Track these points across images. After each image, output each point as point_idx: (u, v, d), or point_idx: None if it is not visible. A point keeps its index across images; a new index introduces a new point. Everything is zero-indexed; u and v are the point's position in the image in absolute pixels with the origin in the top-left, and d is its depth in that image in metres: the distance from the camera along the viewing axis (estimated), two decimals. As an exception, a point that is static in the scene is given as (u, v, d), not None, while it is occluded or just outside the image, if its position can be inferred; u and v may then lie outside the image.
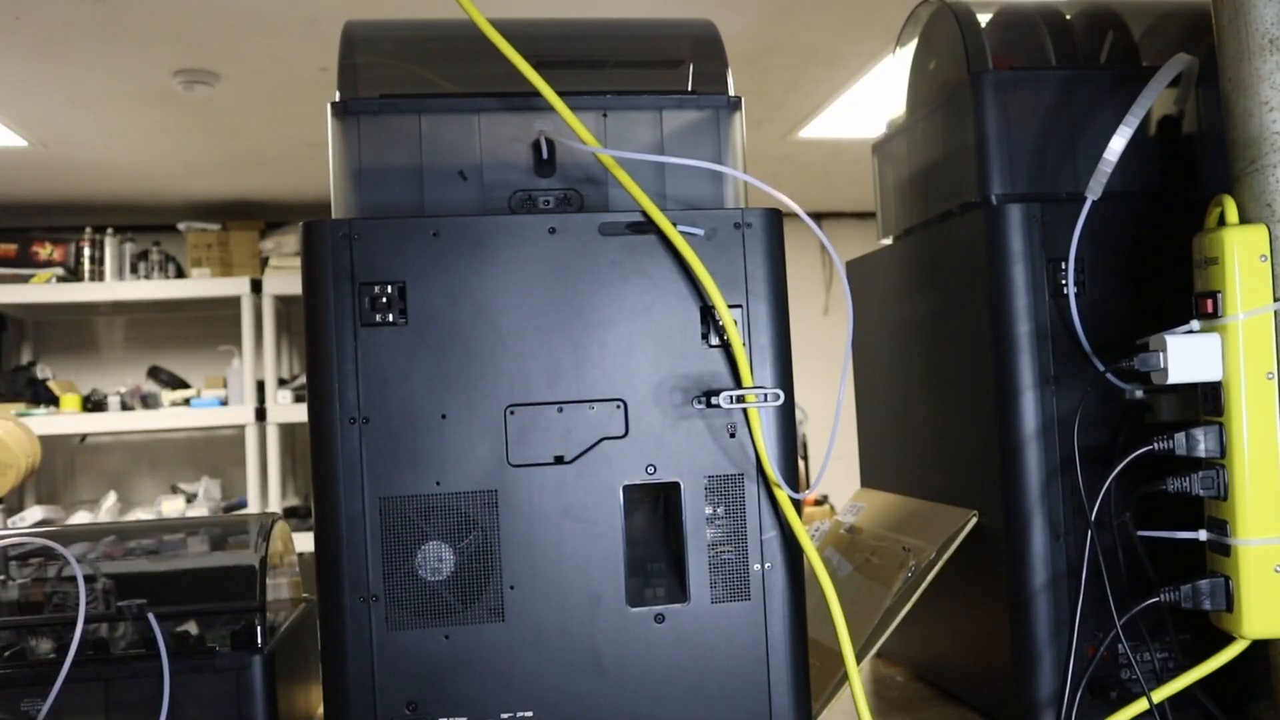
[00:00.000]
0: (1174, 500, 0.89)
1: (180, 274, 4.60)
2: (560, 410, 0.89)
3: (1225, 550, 0.86)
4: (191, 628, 0.93)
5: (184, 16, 2.63)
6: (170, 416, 4.35)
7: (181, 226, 4.60)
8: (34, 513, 4.15)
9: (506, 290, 0.89)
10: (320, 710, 0.90)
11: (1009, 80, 1.02)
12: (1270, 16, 0.85)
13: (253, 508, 4.25)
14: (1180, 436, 0.88)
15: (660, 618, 0.89)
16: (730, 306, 0.91)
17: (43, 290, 4.26)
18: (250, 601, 1.00)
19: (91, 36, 2.72)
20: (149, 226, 4.72)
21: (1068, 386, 0.97)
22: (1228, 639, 0.88)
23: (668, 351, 0.90)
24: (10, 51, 2.79)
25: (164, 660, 0.87)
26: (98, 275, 4.40)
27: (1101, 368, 0.95)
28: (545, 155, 0.95)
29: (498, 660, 0.87)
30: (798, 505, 0.91)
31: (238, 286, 4.35)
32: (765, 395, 0.90)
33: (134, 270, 4.48)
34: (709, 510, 0.90)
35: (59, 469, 4.76)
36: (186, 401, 4.41)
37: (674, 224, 0.89)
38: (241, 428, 4.32)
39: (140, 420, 4.30)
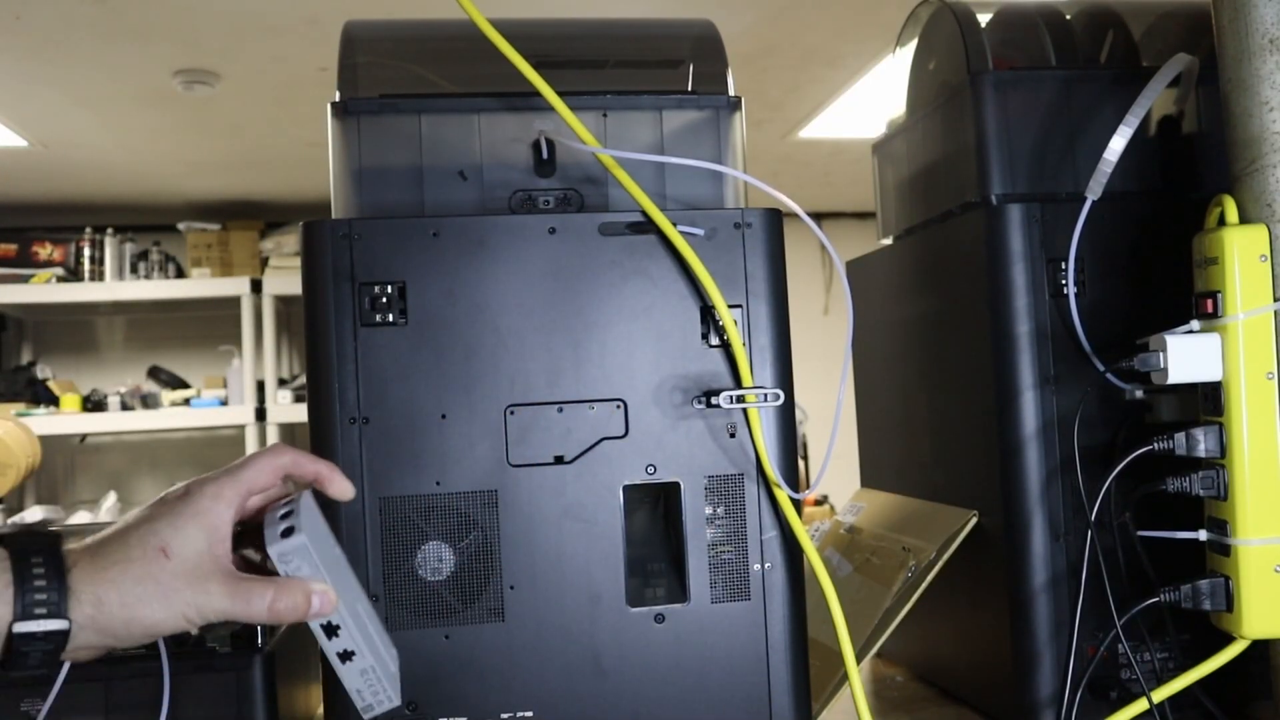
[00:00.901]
0: (1174, 500, 0.89)
1: (180, 274, 4.60)
2: (560, 410, 0.89)
3: (1225, 550, 0.86)
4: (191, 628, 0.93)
5: (184, 16, 2.63)
6: (170, 416, 4.35)
7: (181, 226, 4.60)
8: (34, 513, 4.15)
9: (506, 290, 0.89)
10: (320, 710, 0.90)
11: (1009, 80, 1.02)
12: (1270, 16, 0.85)
13: (253, 508, 4.24)
14: (1180, 436, 0.88)
15: (660, 618, 0.89)
16: (730, 306, 0.91)
17: (43, 290, 4.27)
18: (250, 601, 1.00)
19: (91, 36, 2.72)
20: (149, 226, 4.72)
21: (1068, 386, 0.97)
22: (1228, 639, 0.88)
23: (668, 351, 0.90)
24: (10, 51, 2.79)
25: (164, 660, 0.87)
26: (98, 275, 4.41)
27: (1101, 368, 0.95)
28: (545, 155, 0.95)
29: (498, 660, 0.87)
30: (798, 505, 0.91)
31: (238, 286, 4.36)
32: (765, 395, 0.90)
33: (134, 270, 4.48)
34: (709, 510, 0.90)
35: (59, 469, 4.76)
36: (186, 401, 4.42)
37: (674, 224, 0.89)
38: (241, 428, 4.32)
39: (140, 420, 4.31)
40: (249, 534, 0.71)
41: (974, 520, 1.01)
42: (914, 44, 1.20)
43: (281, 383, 4.46)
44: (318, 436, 0.87)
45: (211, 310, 4.55)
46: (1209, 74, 0.99)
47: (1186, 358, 0.86)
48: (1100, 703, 0.94)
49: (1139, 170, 1.02)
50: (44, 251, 4.33)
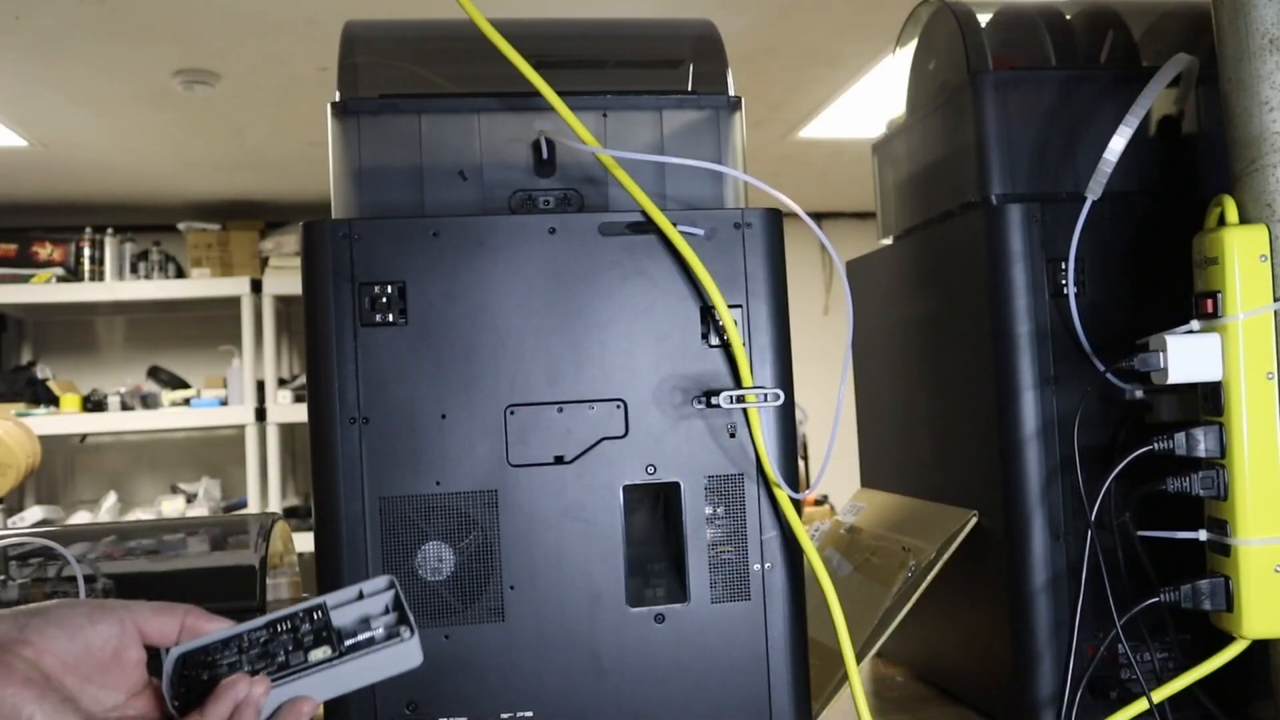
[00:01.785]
0: (1174, 500, 0.89)
1: (180, 274, 4.60)
2: (560, 410, 0.89)
3: (1225, 550, 0.86)
4: (191, 628, 0.93)
5: (184, 16, 2.63)
6: (170, 416, 4.35)
7: (181, 226, 4.60)
8: (34, 513, 4.15)
9: (506, 290, 0.89)
10: (320, 710, 0.90)
11: (1009, 80, 1.02)
12: (1270, 16, 0.85)
13: (253, 508, 4.25)
14: (1180, 436, 0.88)
15: (660, 618, 0.89)
16: (730, 306, 0.91)
17: (43, 290, 4.26)
18: (250, 601, 1.00)
19: (91, 36, 2.72)
20: (149, 226, 4.72)
21: (1068, 386, 0.97)
22: (1228, 639, 0.88)
23: (668, 351, 0.90)
24: (10, 51, 2.79)
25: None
26: (98, 275, 4.40)
27: (1101, 368, 0.95)
28: (545, 155, 0.95)
29: (498, 660, 0.87)
30: (798, 505, 0.91)
31: (238, 286, 4.35)
32: (765, 395, 0.90)
33: (134, 270, 4.48)
34: (709, 510, 0.90)
35: (59, 469, 4.76)
36: (186, 401, 4.41)
37: (674, 224, 0.89)
38: (241, 428, 4.32)
39: (140, 420, 4.31)
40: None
41: (974, 520, 1.01)
42: (914, 44, 1.20)
43: (281, 383, 4.46)
44: (318, 436, 0.87)
45: (211, 310, 4.55)
46: (1209, 74, 0.99)
47: (1186, 358, 0.86)
48: (1100, 703, 0.94)
49: (1139, 170, 1.02)
50: (44, 251, 4.33)
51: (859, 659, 0.94)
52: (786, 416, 0.92)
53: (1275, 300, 0.85)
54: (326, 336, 0.87)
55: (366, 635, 0.68)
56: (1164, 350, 0.86)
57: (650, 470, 0.90)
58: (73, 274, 4.37)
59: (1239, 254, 0.85)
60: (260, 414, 4.31)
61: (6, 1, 2.47)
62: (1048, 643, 0.95)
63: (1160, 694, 0.90)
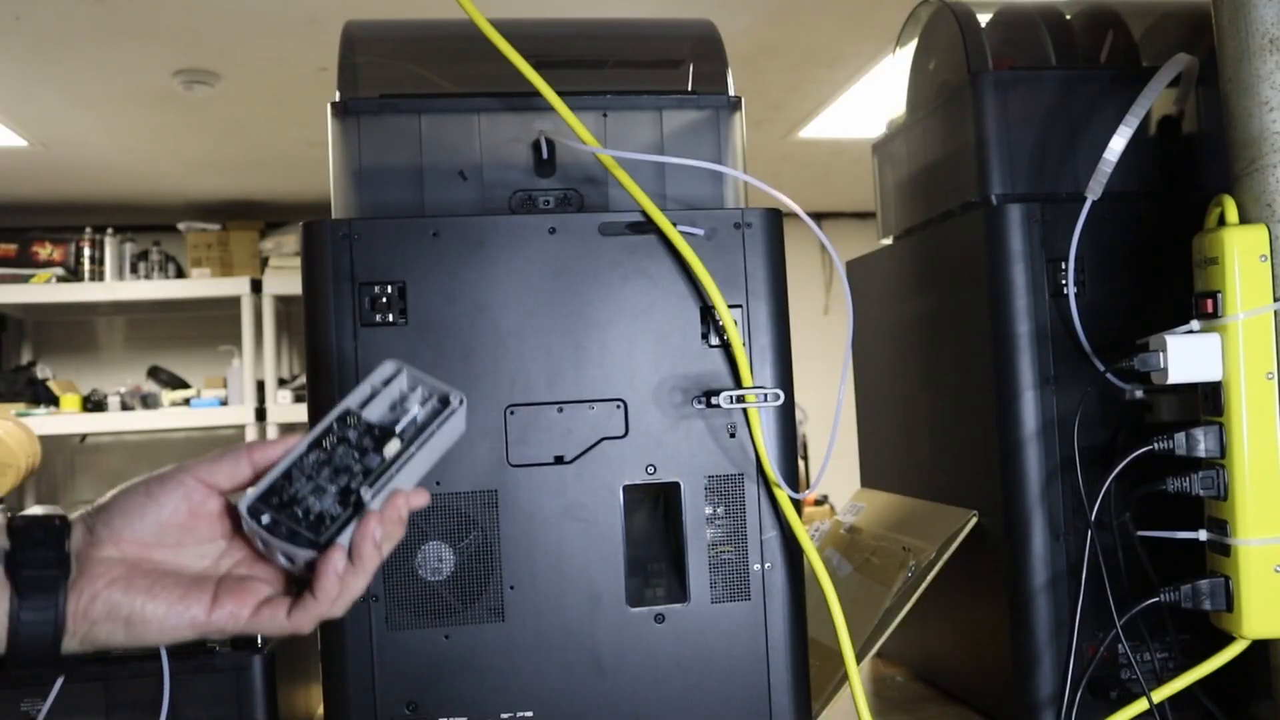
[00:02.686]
0: (1174, 500, 0.89)
1: (180, 274, 4.60)
2: (560, 410, 0.89)
3: (1225, 550, 0.86)
4: (191, 628, 0.93)
5: (184, 16, 2.63)
6: (170, 416, 4.35)
7: (181, 226, 4.60)
8: (34, 513, 4.15)
9: (506, 290, 0.89)
10: (320, 710, 0.90)
11: (1009, 80, 1.02)
12: (1270, 16, 0.85)
13: (253, 508, 4.24)
14: (1180, 436, 0.88)
15: (660, 618, 0.89)
16: (730, 306, 0.91)
17: (43, 290, 4.26)
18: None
19: (91, 36, 2.72)
20: (149, 226, 4.72)
21: (1068, 386, 0.97)
22: (1228, 639, 0.88)
23: (668, 351, 0.90)
24: (10, 51, 2.79)
25: (164, 660, 0.87)
26: (98, 275, 4.40)
27: (1101, 368, 0.95)
28: (545, 155, 0.95)
29: (498, 660, 0.87)
30: (798, 505, 0.91)
31: (238, 286, 4.35)
32: (765, 395, 0.90)
33: (134, 270, 4.48)
34: (709, 510, 0.90)
35: (59, 469, 4.76)
36: (186, 401, 4.41)
37: (674, 224, 0.89)
38: (241, 428, 4.32)
39: (140, 420, 4.30)
40: None
41: (974, 520, 1.01)
42: (914, 44, 1.20)
43: (281, 383, 4.45)
44: (318, 436, 0.87)
45: (211, 310, 4.55)
46: (1209, 74, 0.99)
47: (1186, 358, 0.86)
48: (1100, 703, 0.94)
49: (1139, 170, 1.02)
50: (44, 251, 4.33)
51: (859, 659, 0.94)
52: (786, 416, 0.92)
53: (1275, 300, 0.85)
54: (326, 336, 0.87)
55: (409, 419, 0.69)
56: (1164, 350, 0.86)
57: (650, 470, 0.90)
58: (73, 274, 4.37)
59: (1239, 254, 0.85)
60: (260, 414, 4.31)
61: (6, 1, 2.47)
62: (1048, 643, 0.95)
63: (1160, 694, 0.90)
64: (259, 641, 0.90)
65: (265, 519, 0.65)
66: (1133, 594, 0.93)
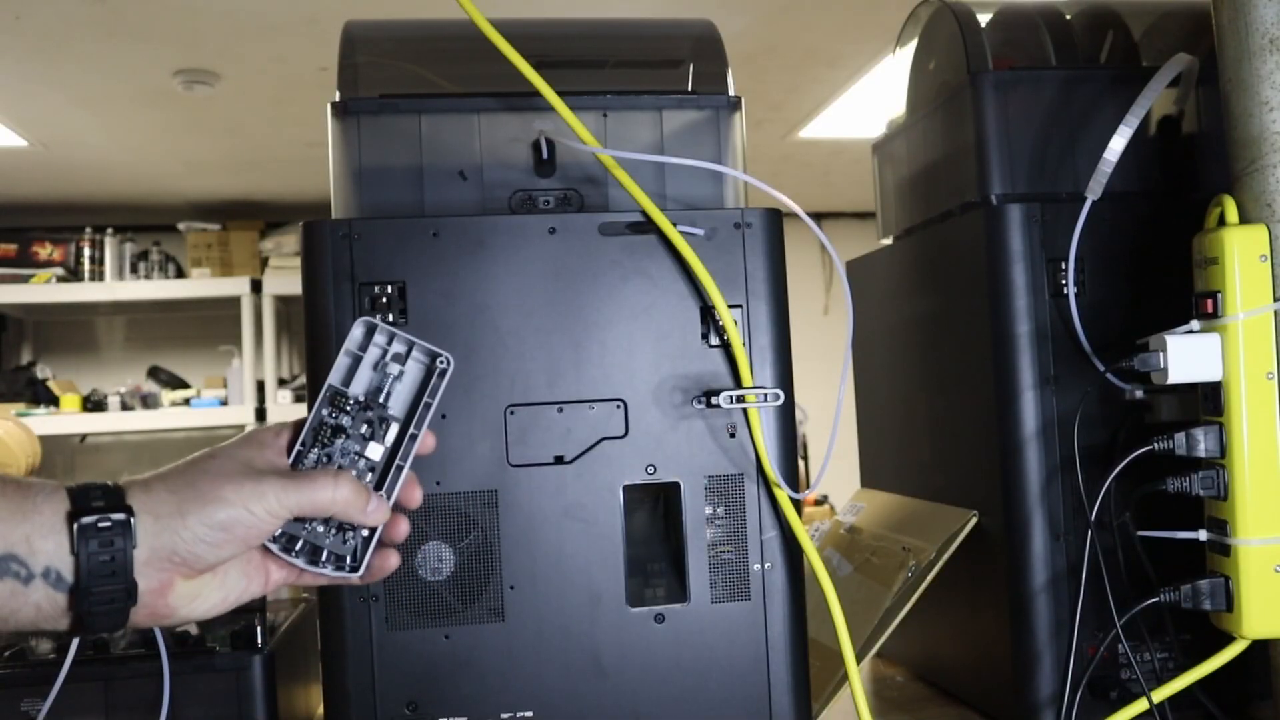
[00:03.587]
0: (1174, 500, 0.89)
1: (180, 274, 4.60)
2: (560, 410, 0.89)
3: (1225, 550, 0.86)
4: (191, 628, 0.93)
5: (184, 16, 2.63)
6: (170, 416, 4.35)
7: (181, 226, 4.60)
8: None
9: (506, 290, 0.89)
10: (320, 710, 0.90)
11: (1009, 80, 1.02)
12: (1270, 16, 0.85)
13: (253, 508, 4.24)
14: (1180, 436, 0.88)
15: (660, 618, 0.89)
16: (730, 306, 0.91)
17: (43, 290, 4.26)
18: (250, 601, 1.00)
19: (91, 36, 2.72)
20: (149, 226, 4.72)
21: (1068, 386, 0.97)
22: (1228, 639, 0.88)
23: (668, 351, 0.90)
24: (10, 51, 2.79)
25: (164, 660, 0.87)
26: (98, 275, 4.41)
27: (1101, 368, 0.95)
28: (545, 155, 0.95)
29: (498, 660, 0.87)
30: (798, 505, 0.91)
31: (238, 286, 4.36)
32: (765, 395, 0.90)
33: (134, 270, 4.48)
34: (709, 510, 0.90)
35: (59, 469, 4.76)
36: (186, 401, 4.42)
37: (674, 224, 0.89)
38: (242, 428, 4.32)
39: (140, 420, 4.31)
40: None
41: (974, 520, 1.01)
42: (914, 44, 1.20)
43: (281, 383, 4.46)
44: (318, 436, 0.87)
45: (211, 310, 4.55)
46: (1209, 74, 0.99)
47: (1186, 358, 0.86)
48: (1100, 703, 0.94)
49: (1139, 170, 1.02)
50: (44, 251, 4.33)
51: (859, 659, 0.94)
52: (786, 416, 0.92)
53: (1275, 300, 0.85)
54: (326, 336, 0.87)
55: (393, 380, 0.70)
56: (1164, 350, 0.86)
57: (650, 470, 0.90)
58: (73, 274, 4.37)
59: (1239, 254, 0.85)
60: (260, 414, 4.31)
61: (6, 1, 2.47)
62: (1048, 643, 0.95)
63: (1160, 694, 0.90)
64: (259, 641, 0.90)
65: (283, 538, 0.66)
66: (1133, 594, 0.93)
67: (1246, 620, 0.85)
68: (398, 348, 0.71)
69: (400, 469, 0.69)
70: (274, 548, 0.66)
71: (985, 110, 1.01)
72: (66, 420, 4.22)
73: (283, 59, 2.94)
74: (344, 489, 0.65)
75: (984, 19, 1.08)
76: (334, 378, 0.69)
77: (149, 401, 4.39)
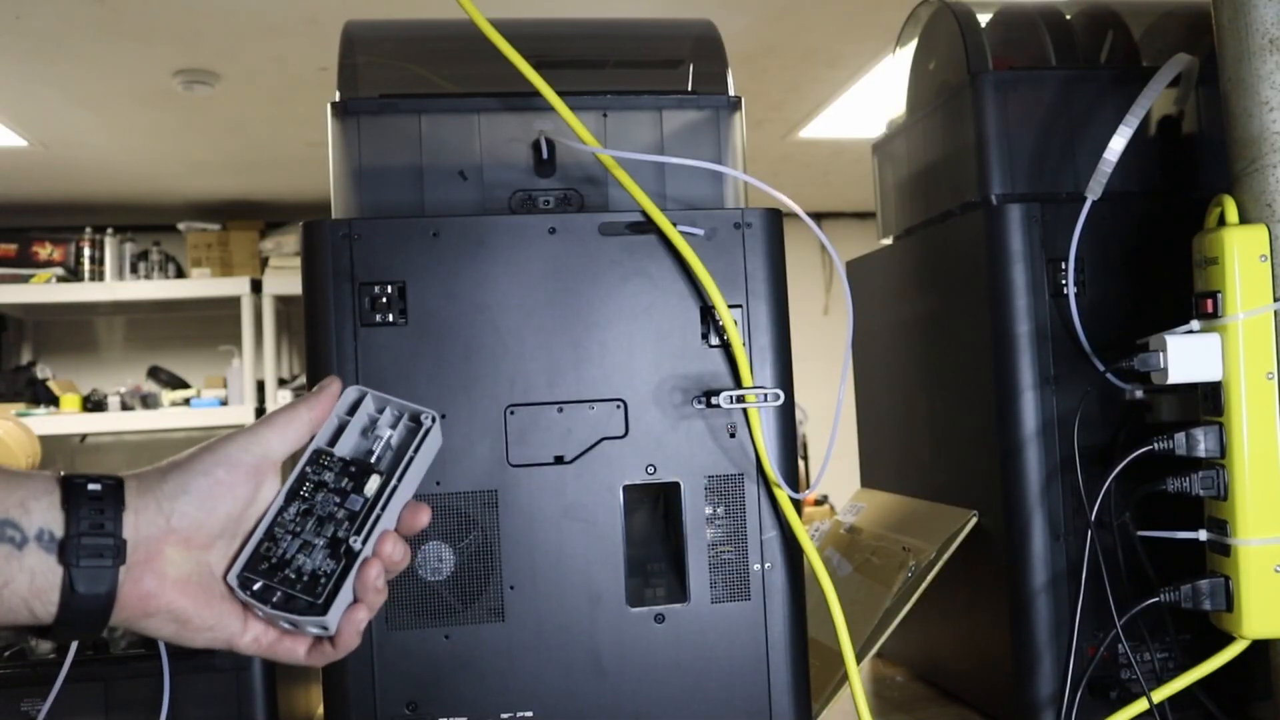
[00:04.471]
0: (1174, 500, 0.89)
1: (180, 274, 4.60)
2: (560, 410, 0.89)
3: (1225, 550, 0.86)
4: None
5: (184, 16, 2.63)
6: (170, 416, 4.35)
7: (181, 226, 4.61)
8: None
9: (506, 290, 0.89)
10: (320, 710, 0.90)
11: (1009, 80, 1.02)
12: (1270, 16, 0.85)
13: (253, 507, 4.24)
14: (1180, 436, 0.88)
15: (660, 618, 0.89)
16: (730, 306, 0.91)
17: (43, 290, 4.27)
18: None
19: (91, 36, 2.72)
20: (149, 226, 4.72)
21: (1068, 386, 0.97)
22: (1228, 639, 0.88)
23: (668, 351, 0.90)
24: (10, 51, 2.79)
25: (164, 660, 0.87)
26: (98, 275, 4.41)
27: (1101, 368, 0.95)
28: (545, 155, 0.95)
29: (498, 660, 0.87)
30: (798, 505, 0.91)
31: (238, 286, 4.36)
32: (765, 395, 0.90)
33: (134, 270, 4.49)
34: (709, 510, 0.90)
35: (59, 469, 4.76)
36: (186, 401, 4.42)
37: (674, 224, 0.89)
38: (241, 428, 4.32)
39: (140, 420, 4.31)
40: None
41: (974, 520, 1.01)
42: (914, 44, 1.20)
43: (281, 383, 4.46)
44: (318, 436, 0.87)
45: (211, 310, 4.55)
46: (1209, 74, 0.99)
47: (1186, 358, 0.86)
48: (1100, 703, 0.94)
49: (1139, 170, 1.02)
50: (44, 251, 4.33)
51: (859, 659, 0.94)
52: (786, 416, 0.92)
53: (1275, 300, 0.85)
54: (326, 336, 0.87)
55: (383, 445, 0.68)
56: (1164, 350, 0.86)
57: (650, 470, 0.90)
58: (73, 274, 4.37)
59: (1239, 254, 0.85)
60: (260, 414, 4.31)
61: (6, 1, 2.47)
62: (1048, 643, 0.95)
63: (1160, 694, 0.90)
64: (259, 641, 0.90)
65: (258, 586, 0.64)
66: (1133, 594, 0.93)
67: (1246, 620, 0.85)
68: (389, 415, 0.70)
69: (379, 517, 0.66)
70: (241, 594, 0.64)
71: (985, 110, 1.01)
72: (66, 420, 4.22)
73: (283, 59, 2.94)
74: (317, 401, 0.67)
75: (984, 19, 1.08)
76: (319, 440, 0.68)
77: (149, 401, 4.39)
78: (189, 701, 0.88)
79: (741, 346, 0.90)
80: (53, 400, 4.31)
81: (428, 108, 0.95)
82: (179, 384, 4.58)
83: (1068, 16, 1.11)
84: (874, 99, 3.39)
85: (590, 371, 0.89)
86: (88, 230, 4.42)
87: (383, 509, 0.67)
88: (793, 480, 0.91)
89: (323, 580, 0.64)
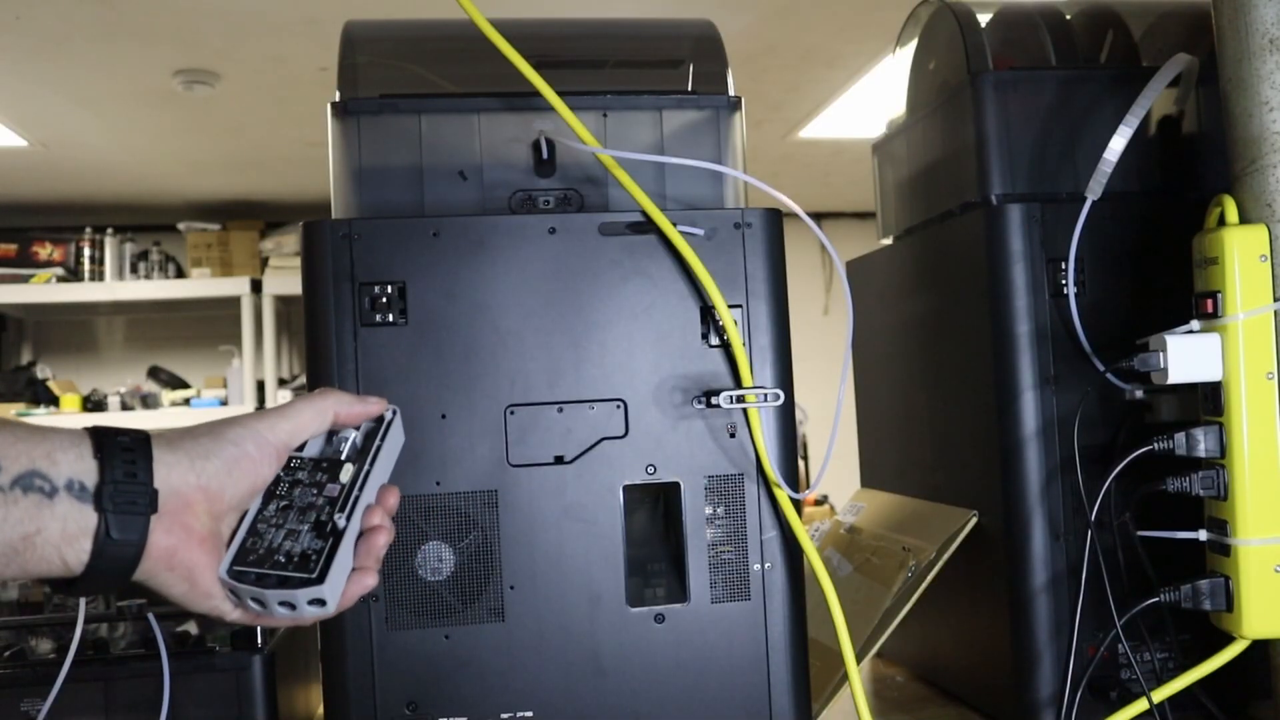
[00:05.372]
0: (1174, 500, 0.89)
1: (180, 274, 4.60)
2: (560, 410, 0.89)
3: (1225, 550, 0.86)
4: (191, 627, 0.93)
5: (184, 16, 2.63)
6: (170, 416, 4.35)
7: (181, 226, 4.61)
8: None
9: (506, 290, 0.89)
10: (320, 710, 0.90)
11: (1009, 80, 1.02)
12: (1270, 16, 0.85)
13: (253, 508, 4.24)
14: (1180, 436, 0.88)
15: (660, 618, 0.89)
16: (730, 306, 0.91)
17: (43, 290, 4.27)
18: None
19: (91, 36, 2.72)
20: (149, 226, 4.72)
21: (1068, 386, 0.97)
22: (1228, 639, 0.88)
23: (668, 351, 0.90)
24: (10, 51, 2.79)
25: (164, 660, 0.87)
26: (98, 275, 4.41)
27: (1101, 368, 0.95)
28: (545, 155, 0.95)
29: (498, 660, 0.87)
30: (798, 505, 0.91)
31: (238, 286, 4.36)
32: (765, 395, 0.90)
33: (134, 270, 4.49)
34: (709, 510, 0.90)
35: (59, 469, 4.75)
36: (186, 401, 4.42)
37: (674, 224, 0.89)
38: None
39: (140, 420, 4.30)
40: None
41: (974, 520, 1.01)
42: (914, 44, 1.20)
43: (281, 383, 4.46)
44: (318, 436, 0.87)
45: (211, 310, 4.56)
46: (1209, 74, 0.99)
47: (1186, 358, 0.86)
48: (1100, 703, 0.94)
49: (1139, 170, 1.02)
50: (44, 251, 4.33)
51: (859, 659, 0.94)
52: (786, 416, 0.92)
53: (1275, 300, 0.85)
54: (326, 336, 0.87)
55: (350, 444, 0.71)
56: (1164, 350, 0.86)
57: (650, 470, 0.90)
58: (73, 274, 4.37)
59: (1239, 254, 0.85)
60: (260, 414, 4.30)
61: (6, 1, 2.47)
62: (1048, 643, 0.95)
63: (1160, 694, 0.90)
64: (259, 641, 0.90)
65: (251, 576, 0.65)
66: (1133, 594, 0.93)
67: (1246, 620, 0.85)
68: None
69: (358, 497, 0.69)
70: (237, 584, 0.64)
71: (985, 110, 1.01)
72: (66, 420, 4.21)
73: (283, 59, 2.94)
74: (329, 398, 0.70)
75: (984, 19, 1.08)
76: None
77: (149, 401, 4.39)
78: (189, 701, 0.88)
79: (741, 346, 0.90)
80: (53, 400, 4.31)
81: (428, 108, 0.95)
82: (179, 384, 4.58)
83: (1068, 16, 1.11)
84: (874, 99, 3.39)
85: (590, 371, 0.89)
86: (88, 230, 4.42)
87: (360, 490, 0.69)
88: (793, 480, 0.91)
89: (313, 558, 0.66)
